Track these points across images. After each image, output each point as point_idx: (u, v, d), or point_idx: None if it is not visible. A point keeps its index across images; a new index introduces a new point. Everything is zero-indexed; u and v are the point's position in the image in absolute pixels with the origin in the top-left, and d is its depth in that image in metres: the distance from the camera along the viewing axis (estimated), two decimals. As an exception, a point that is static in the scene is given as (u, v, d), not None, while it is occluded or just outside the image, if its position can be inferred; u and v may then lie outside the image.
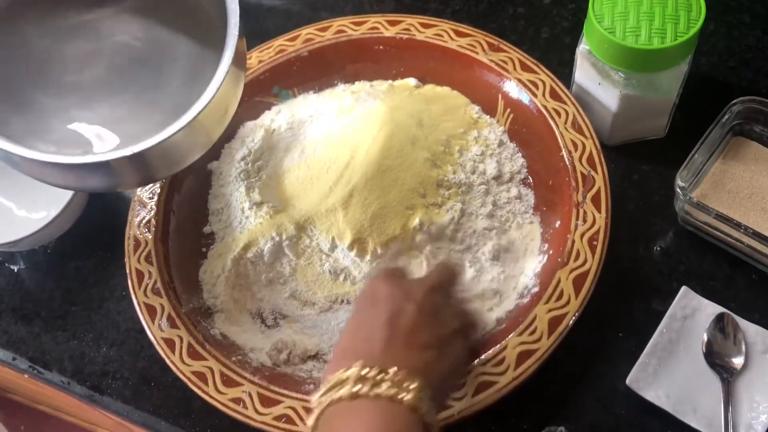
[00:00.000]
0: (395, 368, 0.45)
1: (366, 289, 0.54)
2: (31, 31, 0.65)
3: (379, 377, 0.45)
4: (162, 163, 0.60)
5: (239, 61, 0.60)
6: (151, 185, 0.73)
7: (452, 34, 0.77)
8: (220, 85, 0.57)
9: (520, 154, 0.73)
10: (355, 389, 0.44)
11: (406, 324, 0.49)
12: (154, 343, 0.65)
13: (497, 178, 0.70)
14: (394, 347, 0.47)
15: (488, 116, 0.75)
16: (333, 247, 0.67)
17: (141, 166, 0.59)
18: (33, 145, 0.56)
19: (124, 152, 0.56)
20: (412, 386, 0.45)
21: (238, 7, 0.59)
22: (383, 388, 0.44)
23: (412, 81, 0.78)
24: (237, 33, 0.59)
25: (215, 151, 0.77)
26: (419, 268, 0.66)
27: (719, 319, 0.63)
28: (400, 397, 0.44)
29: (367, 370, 0.45)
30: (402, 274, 0.55)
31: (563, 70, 0.75)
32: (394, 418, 0.44)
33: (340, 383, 0.45)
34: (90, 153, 0.62)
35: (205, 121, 0.58)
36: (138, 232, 0.70)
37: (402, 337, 0.48)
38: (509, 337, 0.60)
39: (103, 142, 0.64)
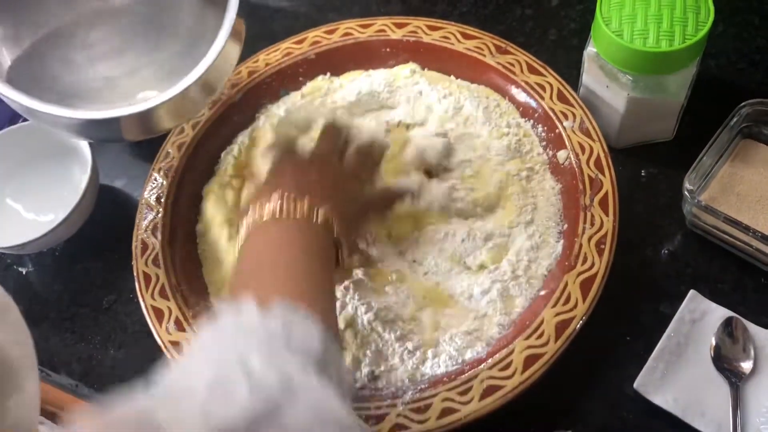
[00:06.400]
0: (308, 197, 0.56)
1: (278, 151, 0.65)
2: None
3: (294, 204, 0.56)
4: (163, 120, 0.65)
5: (236, 35, 0.64)
6: (158, 188, 0.73)
7: (459, 36, 0.77)
8: (218, 56, 0.62)
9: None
10: (276, 211, 0.56)
11: (313, 171, 0.61)
12: (162, 346, 0.65)
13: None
14: (305, 187, 0.58)
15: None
16: None
17: (142, 123, 0.64)
18: (39, 93, 0.61)
19: (129, 110, 0.61)
20: (321, 210, 0.56)
21: None
22: (298, 211, 0.56)
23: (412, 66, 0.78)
24: (236, 7, 0.63)
25: (216, 155, 0.77)
26: None
27: (728, 323, 0.63)
28: (312, 217, 0.56)
29: (285, 199, 0.56)
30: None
31: (571, 72, 0.75)
32: (308, 228, 0.56)
33: (263, 209, 0.56)
34: (88, 106, 0.66)
35: (204, 83, 0.63)
36: (145, 235, 0.71)
37: (310, 179, 0.59)
38: (516, 340, 0.60)
39: (101, 96, 0.69)
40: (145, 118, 0.62)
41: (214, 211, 0.72)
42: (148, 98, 0.62)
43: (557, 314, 0.61)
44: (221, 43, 0.62)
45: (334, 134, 0.66)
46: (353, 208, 0.62)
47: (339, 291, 0.65)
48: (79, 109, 0.61)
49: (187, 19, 0.72)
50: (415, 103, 0.76)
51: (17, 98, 0.60)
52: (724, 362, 0.61)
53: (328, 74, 0.80)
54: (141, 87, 0.70)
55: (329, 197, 0.58)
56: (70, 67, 0.70)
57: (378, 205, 0.67)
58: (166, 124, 0.66)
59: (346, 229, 0.59)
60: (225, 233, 0.70)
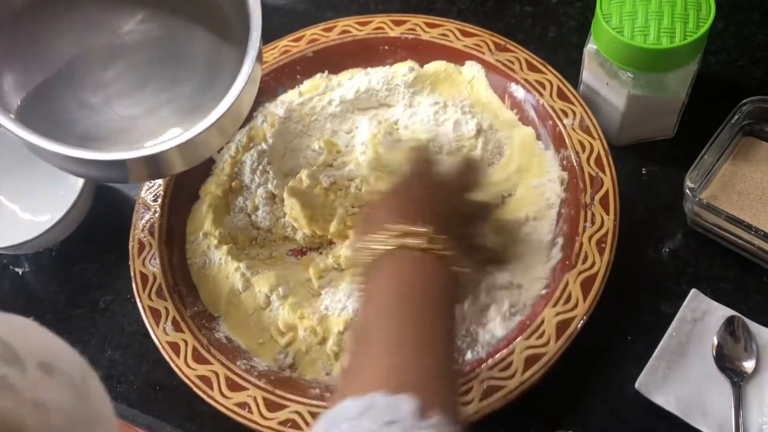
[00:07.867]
0: (424, 228, 0.51)
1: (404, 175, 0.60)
2: (55, 27, 0.66)
3: (414, 236, 0.51)
4: (177, 162, 0.62)
5: (257, 69, 0.61)
6: (155, 187, 0.72)
7: (458, 33, 0.77)
8: (241, 92, 0.59)
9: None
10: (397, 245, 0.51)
11: (441, 201, 0.56)
12: (159, 346, 0.64)
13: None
14: (428, 215, 0.53)
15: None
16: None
17: (156, 164, 0.61)
18: (57, 137, 0.58)
19: (142, 152, 0.58)
20: (441, 240, 0.51)
21: (260, 14, 0.60)
22: (417, 243, 0.51)
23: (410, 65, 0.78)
24: (258, 44, 0.60)
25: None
26: None
27: (729, 322, 0.62)
28: (433, 250, 0.51)
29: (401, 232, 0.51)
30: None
31: (570, 69, 0.74)
32: (427, 267, 0.51)
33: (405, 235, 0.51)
34: (110, 148, 0.63)
35: (224, 122, 0.59)
36: (142, 235, 0.70)
37: (435, 208, 0.54)
38: (517, 341, 0.60)
39: (122, 138, 0.66)
40: (154, 161, 0.59)
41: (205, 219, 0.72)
42: (172, 137, 0.59)
43: (558, 314, 0.60)
44: (238, 90, 0.58)
45: (425, 153, 0.61)
46: (461, 222, 0.57)
47: (339, 293, 0.65)
48: (80, 149, 0.57)
49: (202, 51, 0.68)
50: (412, 102, 0.75)
51: (22, 135, 0.57)
52: (726, 362, 0.61)
53: (326, 72, 0.79)
54: (163, 125, 0.66)
55: (443, 220, 0.53)
56: (87, 110, 0.67)
57: (479, 214, 0.61)
58: (177, 167, 0.63)
59: (462, 251, 0.54)
60: (214, 242, 0.70)
